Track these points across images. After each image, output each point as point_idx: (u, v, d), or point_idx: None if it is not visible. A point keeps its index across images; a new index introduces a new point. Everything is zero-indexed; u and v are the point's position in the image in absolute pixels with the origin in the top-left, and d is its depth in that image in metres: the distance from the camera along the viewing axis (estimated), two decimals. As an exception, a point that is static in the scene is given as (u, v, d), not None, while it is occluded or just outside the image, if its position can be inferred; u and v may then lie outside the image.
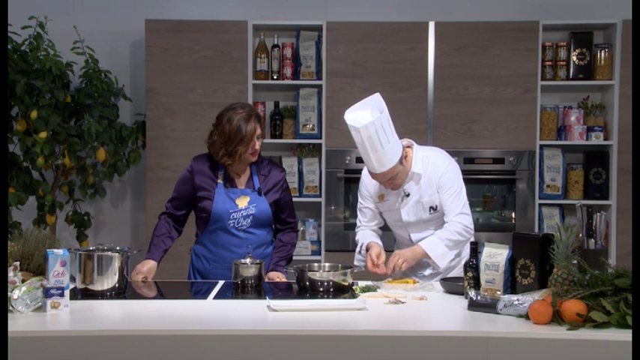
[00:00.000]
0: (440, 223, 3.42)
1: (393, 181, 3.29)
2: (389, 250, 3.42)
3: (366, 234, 3.49)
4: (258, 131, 3.35)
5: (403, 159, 3.27)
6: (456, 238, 3.28)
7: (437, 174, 3.34)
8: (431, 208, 3.37)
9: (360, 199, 3.52)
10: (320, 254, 5.05)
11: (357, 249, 3.46)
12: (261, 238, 3.43)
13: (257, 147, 3.35)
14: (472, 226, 3.35)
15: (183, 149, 4.86)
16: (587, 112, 5.07)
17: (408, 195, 3.37)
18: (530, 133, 4.95)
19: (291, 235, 3.52)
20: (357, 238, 3.53)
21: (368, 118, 3.13)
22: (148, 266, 3.31)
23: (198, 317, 2.59)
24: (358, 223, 3.55)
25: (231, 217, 3.36)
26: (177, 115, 4.99)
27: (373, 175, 3.28)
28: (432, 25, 4.95)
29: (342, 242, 5.02)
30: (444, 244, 3.27)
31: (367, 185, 3.47)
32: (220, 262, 3.39)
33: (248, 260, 3.11)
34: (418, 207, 3.37)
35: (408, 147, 3.37)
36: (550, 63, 5.04)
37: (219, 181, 3.39)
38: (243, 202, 3.38)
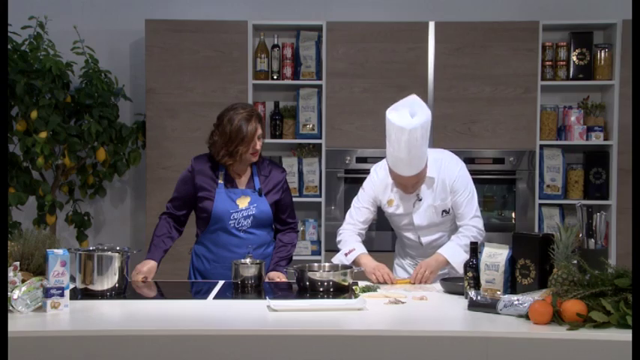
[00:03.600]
0: (450, 225, 3.42)
1: (416, 185, 3.27)
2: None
3: (354, 240, 3.41)
4: (259, 131, 3.35)
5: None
6: (473, 240, 3.25)
7: (450, 177, 3.32)
8: (443, 211, 3.36)
9: (359, 198, 3.46)
10: (320, 254, 5.05)
11: (344, 251, 3.38)
12: (262, 239, 3.43)
13: (258, 147, 3.35)
14: (483, 228, 3.37)
15: (183, 149, 4.86)
16: (587, 112, 5.07)
17: (420, 199, 3.35)
18: (530, 133, 4.95)
19: (291, 236, 3.52)
20: (343, 238, 3.44)
21: (416, 119, 3.11)
22: (148, 266, 3.32)
23: (198, 317, 2.59)
24: (350, 220, 3.46)
25: (231, 217, 3.36)
26: (177, 115, 4.99)
27: (399, 178, 3.23)
28: (432, 25, 4.95)
29: (342, 242, 5.02)
30: (463, 251, 3.26)
31: (377, 188, 3.41)
32: (221, 262, 3.39)
33: (248, 260, 3.11)
34: (431, 211, 3.36)
35: None
36: (550, 63, 5.04)
37: (220, 181, 3.39)
38: (243, 203, 3.38)
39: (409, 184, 3.26)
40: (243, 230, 3.38)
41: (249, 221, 3.38)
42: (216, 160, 3.39)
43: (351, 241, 3.40)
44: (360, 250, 3.36)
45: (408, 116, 3.12)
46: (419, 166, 3.18)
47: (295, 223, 3.56)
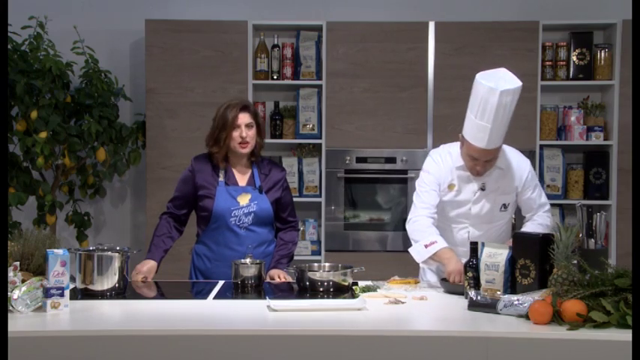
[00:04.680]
0: (502, 223, 3.38)
1: (488, 163, 3.23)
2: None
3: (434, 231, 3.22)
4: (247, 120, 3.36)
5: None
6: (548, 231, 3.20)
7: (522, 173, 3.33)
8: (503, 205, 3.34)
9: (425, 181, 3.33)
10: (320, 254, 5.05)
11: (424, 242, 3.19)
12: (263, 236, 3.43)
13: (244, 134, 3.35)
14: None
15: (183, 149, 4.86)
16: (587, 112, 5.07)
17: (483, 189, 3.31)
18: (530, 133, 4.95)
19: (292, 234, 3.53)
20: (419, 227, 3.25)
21: (508, 84, 3.07)
22: (148, 266, 3.32)
23: (198, 317, 2.59)
24: (421, 205, 3.29)
25: (232, 214, 3.36)
26: (177, 115, 4.99)
27: (474, 152, 3.17)
28: (432, 25, 4.95)
29: (342, 242, 5.02)
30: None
31: (441, 171, 3.33)
32: (222, 261, 3.38)
33: (248, 260, 3.11)
34: (491, 202, 3.31)
35: None
36: (550, 63, 5.04)
37: (221, 179, 3.40)
38: (244, 200, 3.39)
39: (481, 160, 3.20)
40: (244, 228, 3.38)
41: (250, 218, 3.38)
42: (208, 151, 3.42)
43: (430, 232, 3.22)
44: (443, 243, 3.17)
45: (500, 80, 3.10)
46: (498, 140, 3.15)
47: (296, 221, 3.57)
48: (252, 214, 3.38)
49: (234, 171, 3.44)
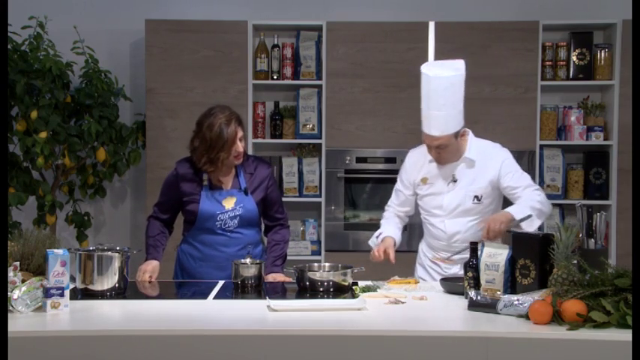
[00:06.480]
0: (478, 216, 3.38)
1: (440, 151, 3.33)
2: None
3: (390, 224, 3.54)
4: (240, 134, 3.31)
5: (459, 135, 3.33)
6: (538, 206, 3.20)
7: (495, 162, 3.35)
8: (475, 197, 3.37)
9: (398, 181, 3.58)
10: (320, 254, 5.05)
11: (376, 234, 3.50)
12: (249, 238, 3.40)
13: (240, 149, 3.31)
14: (548, 201, 3.30)
15: (183, 149, 4.80)
16: (587, 112, 5.07)
17: (455, 181, 3.38)
18: (530, 133, 4.95)
19: (282, 233, 3.51)
20: (381, 222, 3.59)
21: (443, 72, 3.22)
22: (152, 265, 3.34)
23: (198, 317, 2.59)
24: (389, 203, 3.61)
25: (218, 218, 3.34)
26: (177, 115, 4.98)
27: (424, 137, 3.33)
28: (432, 25, 4.95)
29: (342, 242, 5.02)
30: (529, 209, 3.18)
31: (409, 169, 3.51)
32: (207, 261, 3.38)
33: (248, 260, 3.11)
34: (463, 194, 3.37)
35: (465, 131, 3.39)
36: (550, 63, 5.04)
37: (205, 183, 3.37)
38: (229, 203, 3.36)
39: (432, 147, 3.32)
40: (229, 230, 3.36)
41: (236, 221, 3.36)
42: (197, 166, 3.35)
43: (384, 224, 3.55)
44: (387, 232, 3.46)
45: (438, 67, 3.28)
46: (442, 128, 3.24)
47: (284, 218, 3.53)
48: (238, 218, 3.36)
49: (216, 179, 3.40)
